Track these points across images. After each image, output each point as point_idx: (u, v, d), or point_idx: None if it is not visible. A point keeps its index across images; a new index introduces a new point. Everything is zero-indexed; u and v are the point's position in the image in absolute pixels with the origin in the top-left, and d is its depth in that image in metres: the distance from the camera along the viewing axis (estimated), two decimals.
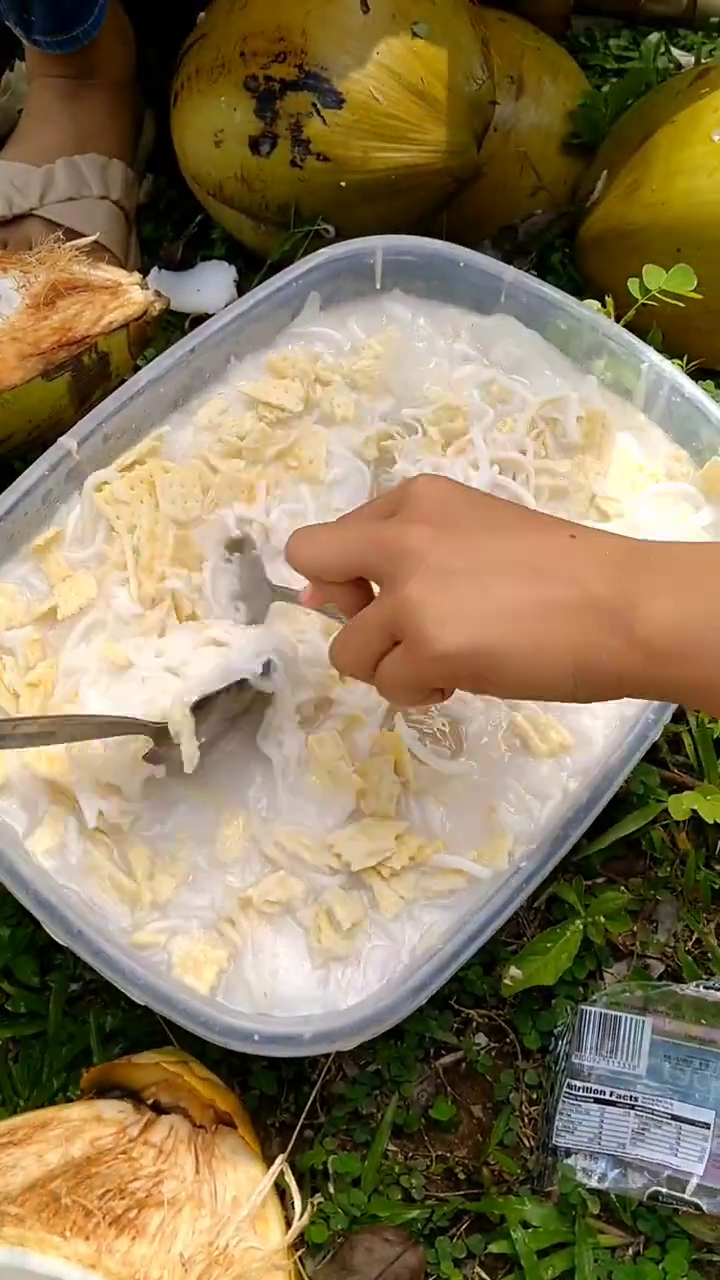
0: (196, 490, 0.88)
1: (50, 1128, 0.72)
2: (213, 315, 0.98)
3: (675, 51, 1.26)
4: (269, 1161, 0.73)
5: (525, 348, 0.94)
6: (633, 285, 0.96)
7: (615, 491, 0.90)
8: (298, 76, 0.98)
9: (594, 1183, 0.77)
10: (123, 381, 0.92)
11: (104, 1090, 0.76)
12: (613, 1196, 0.77)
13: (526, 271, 0.96)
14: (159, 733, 0.76)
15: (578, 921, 0.84)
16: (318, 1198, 0.78)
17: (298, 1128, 0.80)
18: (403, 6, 0.99)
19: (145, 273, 1.10)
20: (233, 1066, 0.81)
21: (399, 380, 0.94)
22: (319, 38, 0.98)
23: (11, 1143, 0.72)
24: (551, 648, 0.61)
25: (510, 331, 0.94)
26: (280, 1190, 0.73)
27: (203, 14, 1.09)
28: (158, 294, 0.97)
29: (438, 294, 0.96)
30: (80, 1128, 0.72)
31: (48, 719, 0.75)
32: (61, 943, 0.75)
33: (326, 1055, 0.81)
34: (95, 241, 1.04)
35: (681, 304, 0.95)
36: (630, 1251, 0.77)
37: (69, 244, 1.00)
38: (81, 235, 1.04)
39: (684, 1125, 0.77)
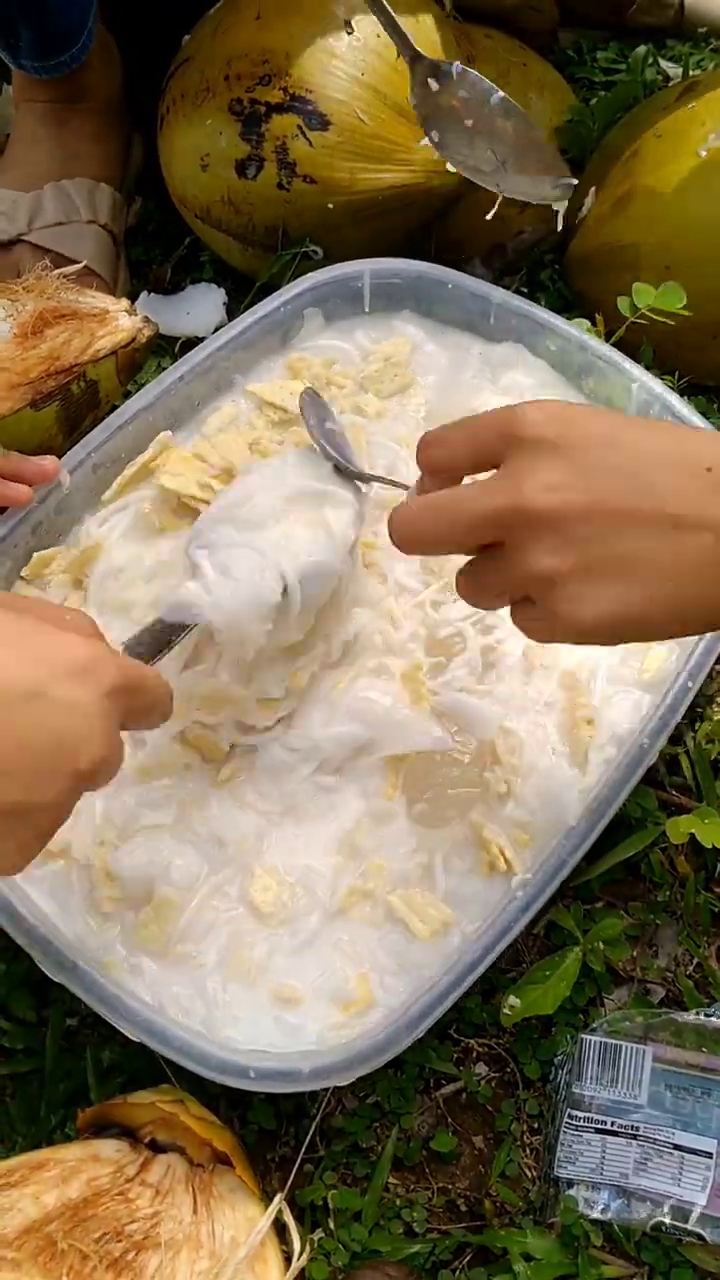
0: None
1: (47, 1169, 0.72)
2: (202, 338, 0.98)
3: (663, 63, 1.25)
4: (268, 1198, 0.73)
5: (534, 376, 0.94)
6: (622, 303, 0.96)
7: None
8: (283, 99, 0.98)
9: (597, 1213, 0.77)
10: (112, 408, 0.92)
11: (100, 1129, 0.76)
12: (616, 1227, 0.77)
13: (517, 289, 0.96)
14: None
15: (576, 949, 0.83)
16: (318, 1233, 0.78)
17: (297, 1162, 0.79)
18: None
19: (134, 296, 1.10)
20: (231, 1100, 0.80)
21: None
22: (303, 60, 0.97)
23: (9, 1184, 0.71)
24: (696, 601, 0.59)
25: (520, 360, 0.94)
26: (280, 1227, 0.72)
27: (187, 37, 1.08)
28: (146, 320, 0.97)
29: (445, 318, 0.96)
30: (77, 1168, 0.72)
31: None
32: (55, 979, 0.75)
33: (325, 1089, 0.80)
34: (84, 266, 1.04)
35: (671, 321, 0.95)
36: None
37: (57, 271, 0.99)
38: (70, 260, 1.04)
39: (686, 1155, 0.76)
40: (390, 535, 0.66)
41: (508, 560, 0.62)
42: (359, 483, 0.80)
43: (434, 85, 0.85)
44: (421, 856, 0.80)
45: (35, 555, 0.86)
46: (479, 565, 0.65)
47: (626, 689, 0.84)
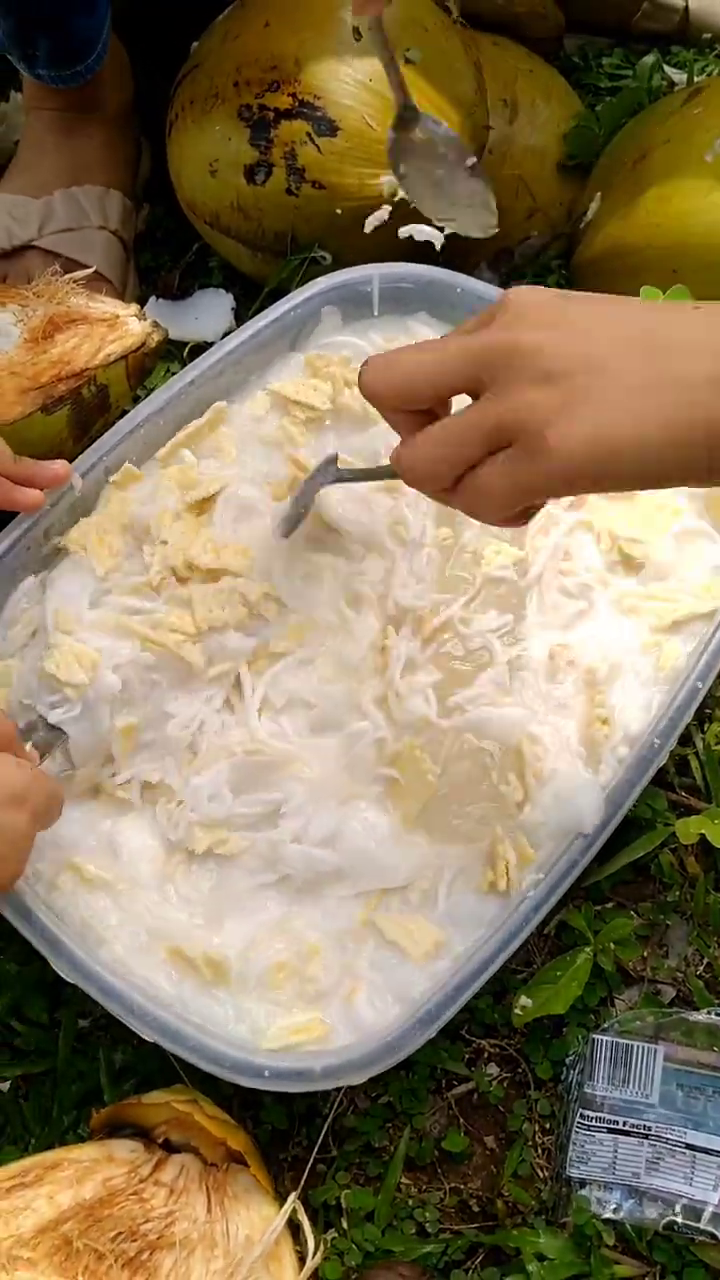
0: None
1: (61, 1168, 0.72)
2: (211, 343, 0.98)
3: (668, 69, 1.26)
4: (281, 1197, 0.73)
5: None
6: None
7: (638, 533, 0.89)
8: (291, 105, 0.98)
9: (609, 1213, 0.77)
10: (123, 413, 0.93)
11: (114, 1129, 0.76)
12: (628, 1227, 0.77)
13: None
14: None
15: (587, 949, 0.83)
16: (331, 1233, 0.78)
17: (310, 1162, 0.80)
18: (395, 33, 0.98)
19: (143, 302, 1.11)
20: (244, 1101, 0.81)
21: None
22: (312, 66, 0.98)
23: (23, 1184, 0.71)
24: (682, 424, 0.56)
25: None
26: (293, 1227, 0.73)
27: (196, 44, 1.09)
28: (156, 325, 0.97)
29: (453, 323, 0.96)
30: (91, 1168, 0.72)
31: None
32: (69, 980, 0.75)
33: (338, 1089, 0.81)
34: (94, 271, 1.04)
35: None
36: None
37: (67, 276, 1.00)
38: (81, 265, 1.05)
39: (698, 1154, 0.76)
40: (362, 384, 0.64)
41: (489, 400, 0.59)
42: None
43: (419, 135, 0.87)
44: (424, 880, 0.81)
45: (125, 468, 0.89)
46: (447, 421, 0.61)
47: (643, 686, 0.84)
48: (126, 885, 0.79)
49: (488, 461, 0.60)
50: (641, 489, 0.63)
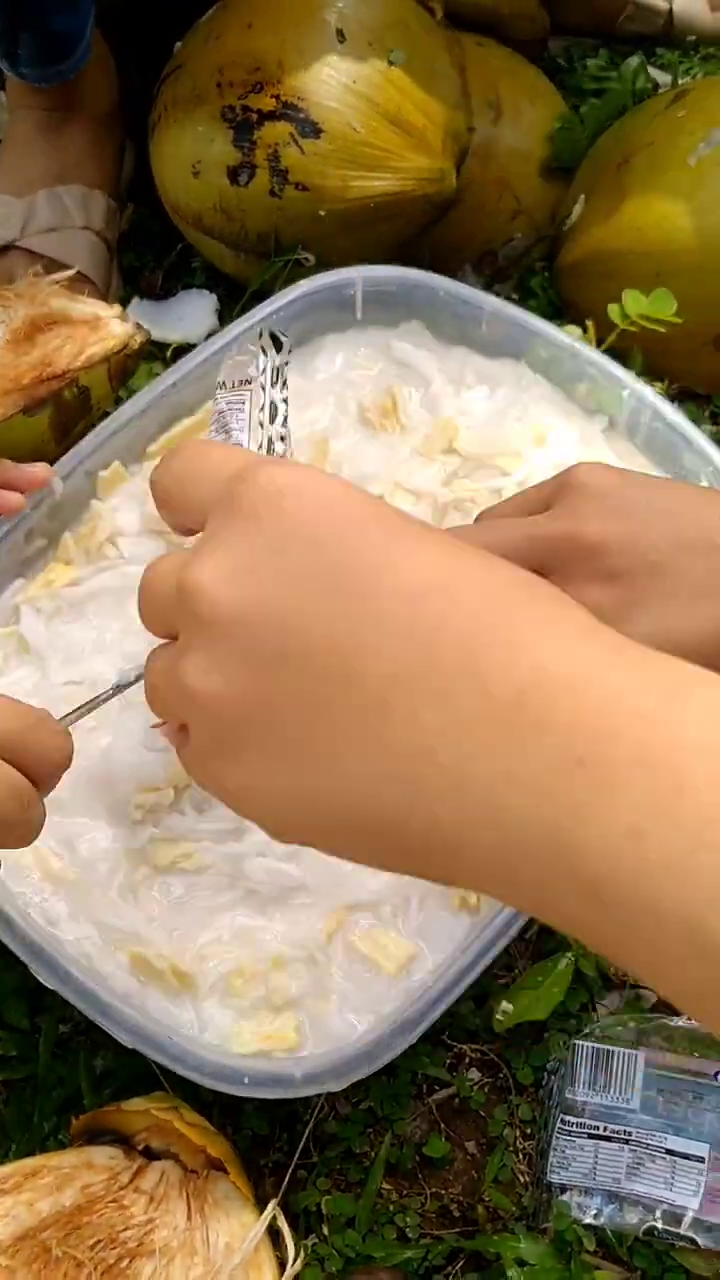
0: None
1: (40, 1175, 0.72)
2: (194, 344, 0.98)
3: (653, 71, 1.26)
4: (262, 1204, 0.73)
5: (531, 391, 0.94)
6: (613, 310, 0.96)
7: None
8: (275, 107, 0.98)
9: (589, 1218, 0.77)
10: (104, 414, 0.92)
11: (94, 1135, 0.76)
12: (609, 1232, 0.77)
13: (508, 296, 0.96)
14: None
15: (569, 954, 0.83)
16: (312, 1239, 0.78)
17: (291, 1168, 0.80)
18: (378, 35, 0.99)
19: (125, 302, 1.10)
20: (224, 1107, 0.80)
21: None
22: (295, 68, 0.98)
23: (2, 1191, 0.71)
24: None
25: (517, 376, 0.94)
26: (274, 1233, 0.72)
27: (179, 45, 1.08)
28: (138, 327, 0.97)
29: (436, 325, 0.96)
30: (71, 1175, 0.72)
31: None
32: (48, 985, 0.75)
33: (318, 1095, 0.81)
34: (77, 272, 1.04)
35: (662, 328, 0.95)
36: None
37: (50, 277, 0.99)
38: (64, 265, 1.04)
39: (679, 1159, 0.76)
40: None
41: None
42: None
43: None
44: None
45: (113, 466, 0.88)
46: None
47: None
48: (85, 886, 0.79)
49: None
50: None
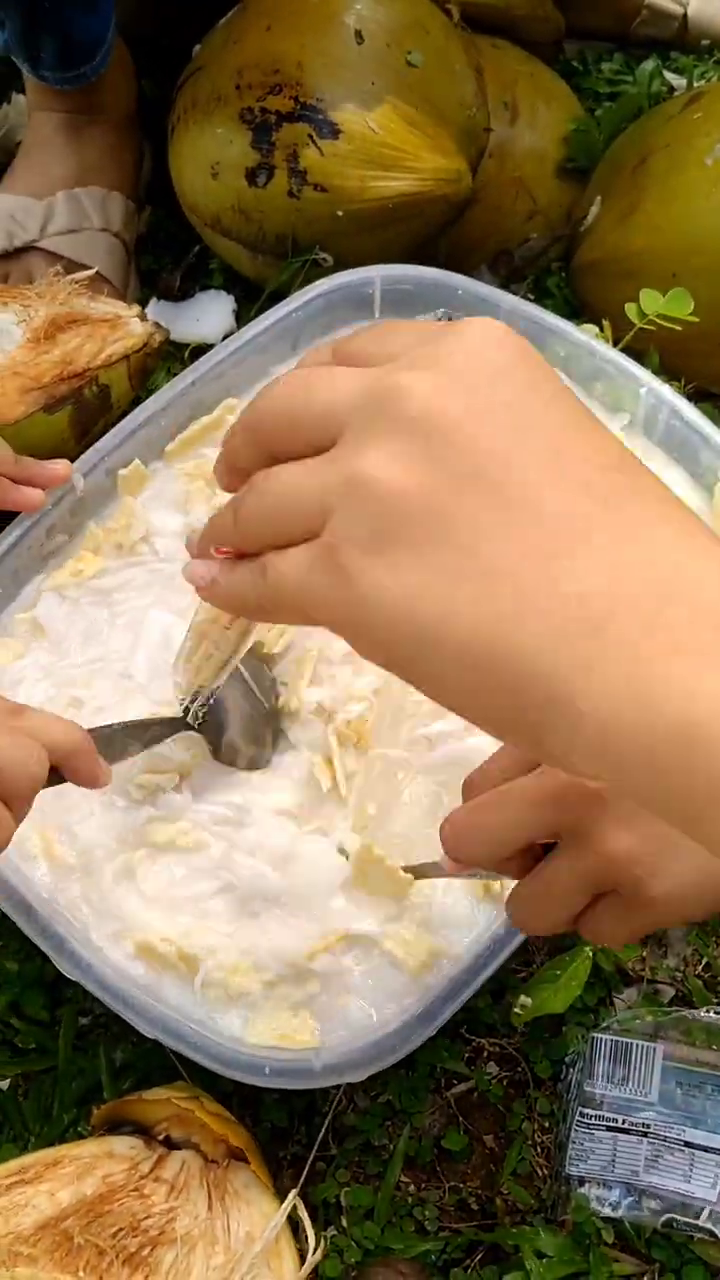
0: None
1: (62, 1165, 0.72)
2: (212, 345, 0.98)
3: (668, 74, 1.27)
4: (281, 1195, 0.73)
5: None
6: (630, 310, 0.96)
7: None
8: (293, 108, 0.99)
9: (608, 1211, 0.77)
10: (123, 413, 0.93)
11: (115, 1126, 0.76)
12: (627, 1225, 0.77)
13: (524, 296, 0.97)
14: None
15: (587, 948, 0.83)
16: (331, 1230, 0.78)
17: (310, 1160, 0.80)
18: (397, 36, 1.00)
19: (144, 303, 1.11)
20: (244, 1099, 0.81)
21: None
22: (314, 69, 0.98)
23: (23, 1181, 0.71)
24: None
25: None
26: (294, 1224, 0.73)
27: (198, 47, 1.09)
28: (157, 326, 0.98)
29: None
30: (92, 1165, 0.72)
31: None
32: (69, 976, 0.75)
33: (337, 1087, 0.81)
34: (96, 272, 1.05)
35: (679, 327, 0.96)
36: None
37: (69, 277, 1.00)
38: (83, 266, 1.05)
39: (697, 1152, 0.76)
40: (451, 852, 0.58)
41: (577, 848, 0.54)
42: None
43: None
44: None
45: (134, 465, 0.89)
46: (543, 872, 0.56)
47: None
48: (84, 872, 0.80)
49: (598, 911, 0.56)
50: None
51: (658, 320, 0.96)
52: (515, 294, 0.97)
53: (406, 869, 0.75)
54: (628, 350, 0.95)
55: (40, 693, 0.84)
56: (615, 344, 0.98)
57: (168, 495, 0.90)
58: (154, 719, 0.79)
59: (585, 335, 0.94)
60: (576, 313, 1.12)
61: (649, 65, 1.23)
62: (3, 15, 0.99)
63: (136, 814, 0.81)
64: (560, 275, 1.15)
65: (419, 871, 0.75)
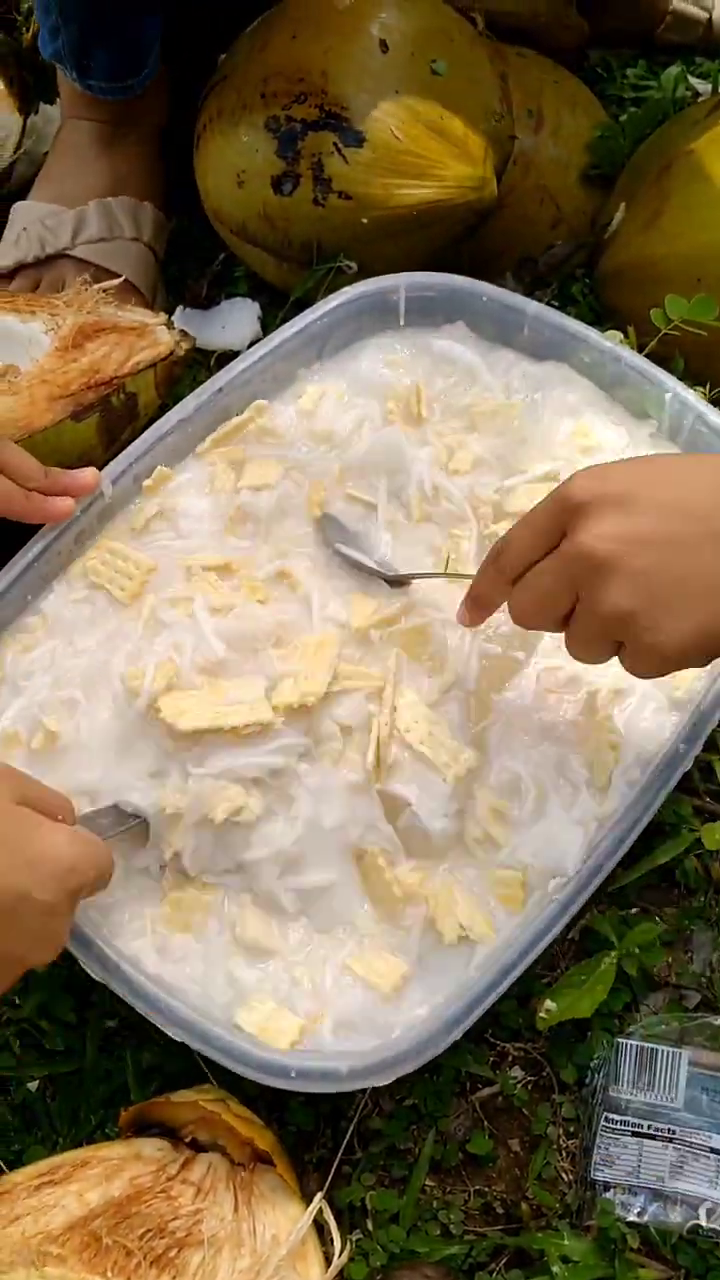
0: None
1: (90, 1166, 0.73)
2: (238, 352, 0.99)
3: (692, 80, 1.27)
4: (307, 1199, 0.73)
5: (578, 395, 0.95)
6: (655, 315, 0.97)
7: None
8: (318, 116, 0.99)
9: (633, 1216, 0.77)
10: (150, 421, 0.94)
11: (142, 1128, 0.77)
12: (652, 1230, 0.77)
13: (548, 302, 0.97)
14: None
15: (612, 954, 0.84)
16: (356, 1234, 0.78)
17: (335, 1164, 0.80)
18: (421, 45, 1.00)
19: (170, 311, 1.12)
20: (269, 1102, 0.81)
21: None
22: (339, 78, 0.99)
23: (52, 1181, 0.72)
24: None
25: (563, 379, 0.95)
26: (319, 1227, 0.73)
27: (224, 56, 1.10)
28: (184, 334, 0.99)
29: (479, 331, 0.97)
30: (120, 1166, 0.73)
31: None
32: (97, 979, 0.76)
33: (363, 1091, 0.81)
34: (124, 281, 1.05)
35: (704, 333, 0.96)
36: None
37: (97, 285, 1.01)
38: (112, 274, 1.06)
39: None
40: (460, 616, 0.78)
41: (587, 612, 0.68)
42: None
43: None
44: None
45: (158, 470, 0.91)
46: (571, 627, 0.70)
47: (657, 709, 0.85)
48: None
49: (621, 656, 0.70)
50: None
51: (682, 326, 0.96)
52: (539, 300, 0.98)
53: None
54: (652, 356, 0.95)
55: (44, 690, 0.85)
56: (640, 350, 0.98)
57: (195, 481, 0.91)
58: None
59: (610, 341, 0.94)
60: (601, 319, 1.12)
61: (673, 71, 1.23)
62: (60, 25, 1.01)
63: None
64: (584, 282, 1.15)
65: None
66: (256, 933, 0.79)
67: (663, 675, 0.69)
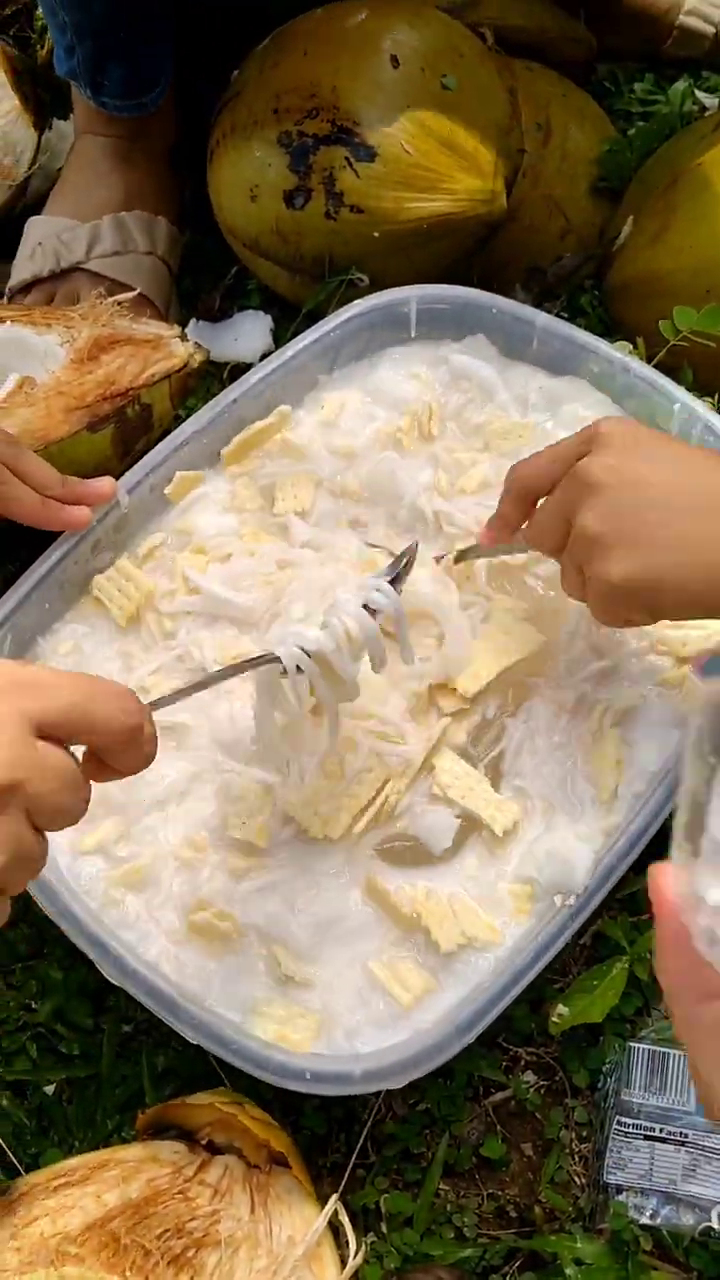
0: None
1: (108, 1168, 0.73)
2: (249, 364, 1.00)
3: (699, 94, 1.28)
4: (321, 1202, 0.74)
5: (594, 410, 0.96)
6: (664, 327, 0.98)
7: None
8: (330, 131, 1.00)
9: (646, 1219, 0.78)
10: (165, 432, 0.95)
11: (159, 1131, 0.77)
12: (665, 1233, 0.78)
13: (557, 314, 0.98)
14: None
15: (624, 958, 0.84)
16: (371, 1237, 0.79)
17: (349, 1167, 0.81)
18: (431, 61, 1.01)
19: (183, 324, 1.13)
20: (284, 1106, 0.82)
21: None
22: (350, 93, 1.00)
23: (70, 1183, 0.73)
24: (706, 579, 0.70)
25: (580, 394, 0.96)
26: (334, 1229, 0.74)
27: (236, 72, 1.11)
28: (198, 346, 1.00)
29: (489, 342, 0.98)
30: (137, 1168, 0.73)
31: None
32: (114, 982, 0.77)
33: (376, 1095, 0.82)
34: (138, 294, 1.07)
35: (712, 344, 0.97)
36: None
37: (112, 299, 1.02)
38: (126, 287, 1.07)
39: None
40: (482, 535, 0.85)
41: (572, 533, 0.74)
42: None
43: None
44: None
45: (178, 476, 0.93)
46: (544, 516, 0.77)
47: (664, 729, 0.86)
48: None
49: (562, 569, 0.78)
50: (690, 618, 0.80)
51: (691, 337, 0.97)
52: (548, 312, 0.99)
53: (458, 556, 0.88)
54: (661, 367, 0.96)
55: None
56: (649, 361, 0.99)
57: (216, 499, 0.93)
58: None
59: (619, 352, 0.95)
60: (609, 330, 1.13)
61: (680, 85, 1.24)
62: (74, 43, 1.02)
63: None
64: (593, 293, 1.16)
65: (461, 555, 0.87)
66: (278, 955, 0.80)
67: (612, 618, 0.75)
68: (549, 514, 0.77)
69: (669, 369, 0.98)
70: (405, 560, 0.80)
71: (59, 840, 0.81)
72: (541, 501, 0.79)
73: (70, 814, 0.56)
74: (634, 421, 0.77)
